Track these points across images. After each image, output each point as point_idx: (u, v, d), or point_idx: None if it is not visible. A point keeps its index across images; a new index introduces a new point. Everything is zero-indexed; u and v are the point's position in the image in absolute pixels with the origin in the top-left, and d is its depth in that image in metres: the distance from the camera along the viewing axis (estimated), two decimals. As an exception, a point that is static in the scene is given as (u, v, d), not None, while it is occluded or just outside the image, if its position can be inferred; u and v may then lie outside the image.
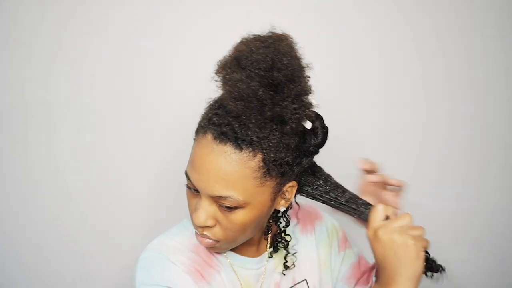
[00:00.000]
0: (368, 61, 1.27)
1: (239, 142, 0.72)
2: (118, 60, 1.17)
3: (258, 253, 0.91)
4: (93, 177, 1.21)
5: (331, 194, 0.85)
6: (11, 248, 1.20)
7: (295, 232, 0.96)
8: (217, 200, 0.75)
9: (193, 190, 0.78)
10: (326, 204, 0.86)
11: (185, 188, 0.80)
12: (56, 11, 1.13)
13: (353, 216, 0.85)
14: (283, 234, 0.90)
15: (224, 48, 0.78)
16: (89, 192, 1.22)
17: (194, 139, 0.78)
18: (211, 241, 0.79)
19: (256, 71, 0.71)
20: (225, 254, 0.88)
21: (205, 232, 0.78)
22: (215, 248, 0.82)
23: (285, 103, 0.72)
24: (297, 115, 0.73)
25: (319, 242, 0.98)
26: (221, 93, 0.78)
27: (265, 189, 0.75)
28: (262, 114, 0.72)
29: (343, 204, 0.84)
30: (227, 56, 0.76)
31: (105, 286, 1.26)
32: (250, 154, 0.72)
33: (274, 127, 0.73)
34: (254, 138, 0.72)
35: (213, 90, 0.80)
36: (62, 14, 1.13)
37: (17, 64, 1.14)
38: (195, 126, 0.79)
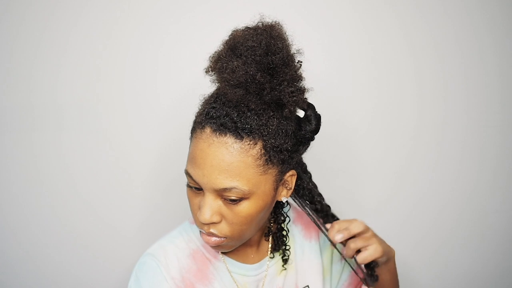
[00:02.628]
0: (361, 53, 1.27)
1: (239, 131, 0.72)
2: (120, 60, 1.18)
3: (258, 258, 0.90)
4: (98, 176, 1.21)
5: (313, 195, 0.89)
6: (17, 246, 1.21)
7: (298, 237, 0.95)
8: (221, 193, 0.74)
9: (195, 189, 0.77)
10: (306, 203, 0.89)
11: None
12: (61, 12, 1.14)
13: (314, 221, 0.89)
14: (283, 232, 0.90)
15: (217, 46, 0.79)
16: (94, 190, 1.21)
17: (191, 138, 0.78)
18: (218, 238, 0.78)
19: (252, 57, 0.73)
20: (223, 260, 0.87)
21: (211, 230, 0.77)
22: (222, 246, 0.80)
23: (282, 86, 0.74)
24: (294, 98, 0.75)
25: (323, 248, 0.97)
26: (215, 88, 0.79)
27: (267, 177, 0.75)
28: (261, 99, 0.74)
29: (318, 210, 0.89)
30: (219, 49, 0.77)
31: (108, 283, 1.25)
32: (251, 142, 0.72)
33: (272, 113, 0.75)
34: (254, 126, 0.73)
35: (208, 88, 0.81)
36: (67, 14, 1.14)
37: (23, 64, 1.14)
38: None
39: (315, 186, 0.92)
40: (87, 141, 1.19)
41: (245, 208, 0.75)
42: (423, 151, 1.32)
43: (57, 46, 1.15)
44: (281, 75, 0.74)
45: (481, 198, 1.34)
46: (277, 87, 0.73)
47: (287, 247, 0.91)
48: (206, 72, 0.78)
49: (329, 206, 0.91)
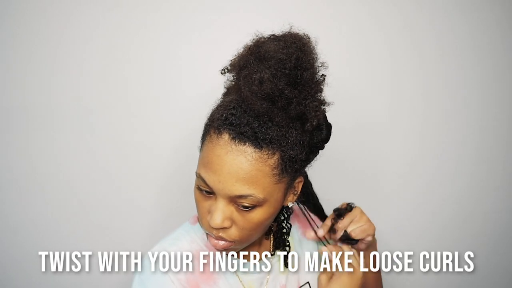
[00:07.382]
0: (377, 59, 1.28)
1: (259, 141, 0.71)
2: (123, 60, 1.17)
3: (260, 256, 0.90)
4: (97, 178, 1.21)
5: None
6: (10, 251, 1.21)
7: (296, 235, 0.97)
8: (235, 200, 0.74)
9: (205, 192, 0.76)
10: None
11: (187, 188, 0.80)
12: (58, 13, 1.12)
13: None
14: (284, 230, 0.91)
15: (230, 48, 0.78)
16: (93, 193, 1.21)
17: (203, 140, 0.77)
18: (226, 243, 0.78)
19: (282, 70, 0.72)
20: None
21: (220, 234, 0.77)
22: (228, 249, 0.81)
23: (308, 101, 0.74)
24: (318, 113, 0.75)
25: (320, 245, 0.98)
26: (232, 92, 0.78)
27: (280, 185, 0.76)
28: (287, 113, 0.74)
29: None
30: (244, 55, 0.76)
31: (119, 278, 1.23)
32: (270, 152, 0.72)
33: (291, 125, 0.75)
34: (274, 137, 0.72)
35: (219, 90, 0.81)
36: (63, 15, 1.13)
37: (23, 65, 1.13)
38: (199, 125, 0.79)
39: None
40: (91, 145, 1.19)
41: (257, 215, 0.75)
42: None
43: (76, 46, 1.14)
44: (308, 90, 0.74)
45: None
46: (303, 102, 0.73)
47: (287, 243, 0.92)
48: (222, 73, 0.77)
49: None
